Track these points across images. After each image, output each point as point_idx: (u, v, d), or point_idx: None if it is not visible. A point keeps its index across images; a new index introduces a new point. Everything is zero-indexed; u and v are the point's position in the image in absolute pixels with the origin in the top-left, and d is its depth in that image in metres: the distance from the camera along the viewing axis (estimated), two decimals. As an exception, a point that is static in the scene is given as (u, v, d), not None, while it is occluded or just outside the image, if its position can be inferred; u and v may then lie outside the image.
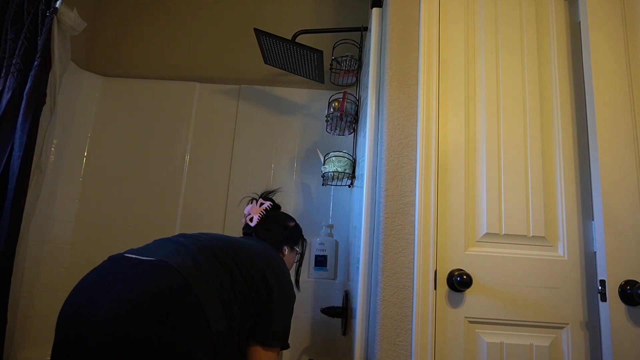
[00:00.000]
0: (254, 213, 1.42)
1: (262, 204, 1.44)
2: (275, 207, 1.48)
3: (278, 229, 1.40)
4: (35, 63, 1.51)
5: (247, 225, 1.42)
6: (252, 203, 1.46)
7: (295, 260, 1.48)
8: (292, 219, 1.48)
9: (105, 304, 0.87)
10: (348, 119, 1.64)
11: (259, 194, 1.50)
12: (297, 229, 1.47)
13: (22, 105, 1.48)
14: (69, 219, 1.89)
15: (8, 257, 1.40)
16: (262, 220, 1.40)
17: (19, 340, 1.60)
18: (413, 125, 1.23)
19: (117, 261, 0.98)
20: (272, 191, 1.51)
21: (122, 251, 1.04)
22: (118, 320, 0.85)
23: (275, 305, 1.11)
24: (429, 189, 1.17)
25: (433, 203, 1.16)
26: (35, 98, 1.49)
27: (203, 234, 1.17)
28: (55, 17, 1.54)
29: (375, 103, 1.35)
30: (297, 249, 1.46)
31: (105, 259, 1.02)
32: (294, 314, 1.20)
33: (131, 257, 0.97)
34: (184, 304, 0.90)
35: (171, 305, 0.88)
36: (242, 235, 1.44)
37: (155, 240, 1.11)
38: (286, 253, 1.40)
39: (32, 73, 1.50)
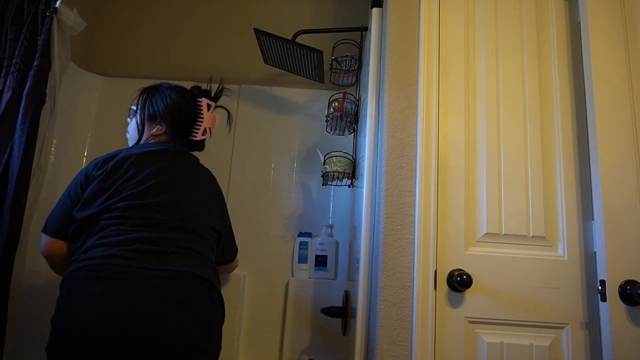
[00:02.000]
0: (214, 127, 1.33)
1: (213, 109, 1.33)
2: None
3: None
4: (35, 63, 1.50)
5: (200, 138, 1.30)
6: (209, 107, 1.32)
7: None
8: None
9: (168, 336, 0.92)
10: (348, 119, 1.64)
11: (202, 88, 1.35)
12: None
13: (22, 106, 1.48)
14: (69, 219, 1.89)
15: (9, 257, 1.40)
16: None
17: (19, 340, 1.60)
18: (413, 125, 1.23)
19: (144, 280, 0.94)
20: (223, 88, 1.37)
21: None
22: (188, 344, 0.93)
23: (228, 227, 1.26)
24: (429, 189, 1.17)
25: (433, 203, 1.16)
26: (34, 98, 1.49)
27: (148, 207, 1.06)
28: (55, 17, 1.54)
29: (375, 103, 1.35)
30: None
31: (121, 271, 0.94)
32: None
33: (156, 272, 0.96)
34: (215, 303, 1.04)
35: (213, 313, 1.02)
36: (172, 149, 1.23)
37: (135, 239, 1.00)
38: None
39: (31, 73, 1.50)
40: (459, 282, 1.10)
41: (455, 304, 1.14)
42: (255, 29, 1.63)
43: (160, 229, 1.02)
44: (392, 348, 1.10)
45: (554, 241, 1.18)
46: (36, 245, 1.72)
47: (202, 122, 1.28)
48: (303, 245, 1.86)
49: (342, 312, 1.54)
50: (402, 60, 1.28)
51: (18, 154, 1.44)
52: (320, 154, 1.76)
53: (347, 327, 1.51)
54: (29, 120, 1.46)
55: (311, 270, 1.84)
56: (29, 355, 1.68)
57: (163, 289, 0.92)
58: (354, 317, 1.28)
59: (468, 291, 1.14)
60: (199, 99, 1.30)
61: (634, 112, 1.16)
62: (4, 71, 1.55)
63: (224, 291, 1.82)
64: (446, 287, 1.14)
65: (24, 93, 1.49)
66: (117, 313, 0.88)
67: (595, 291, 1.12)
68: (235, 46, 2.14)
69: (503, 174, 1.21)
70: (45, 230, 1.12)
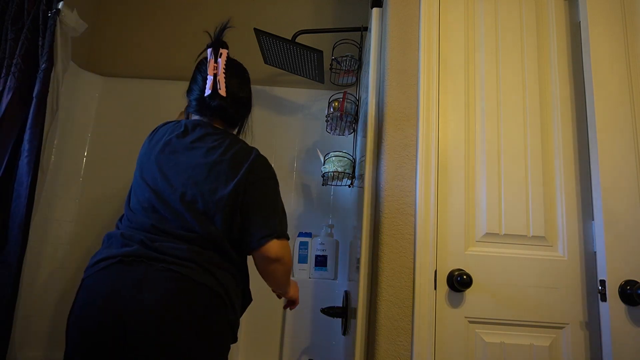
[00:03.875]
0: (219, 75, 1.08)
1: (220, 54, 1.09)
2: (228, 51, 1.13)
3: (245, 93, 1.15)
4: (43, 66, 1.50)
5: (214, 94, 1.07)
6: (210, 57, 1.10)
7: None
8: (242, 66, 1.19)
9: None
10: (348, 119, 1.64)
11: (213, 35, 1.13)
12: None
13: (32, 109, 1.48)
14: (69, 219, 1.89)
15: (20, 257, 1.41)
16: (228, 82, 1.09)
17: (19, 340, 1.60)
18: (413, 125, 1.23)
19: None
20: (224, 27, 1.15)
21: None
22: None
23: (255, 198, 1.03)
24: (429, 189, 1.17)
25: (433, 203, 1.16)
26: (43, 101, 1.49)
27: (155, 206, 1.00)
28: (57, 18, 1.54)
29: (375, 103, 1.35)
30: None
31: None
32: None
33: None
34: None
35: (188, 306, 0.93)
36: (190, 119, 1.13)
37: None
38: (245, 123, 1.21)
39: (40, 76, 1.50)
40: (459, 282, 1.10)
41: (455, 304, 1.14)
42: (255, 29, 1.63)
43: None
44: (392, 348, 1.10)
45: (553, 241, 1.18)
46: (36, 244, 1.73)
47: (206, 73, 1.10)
48: (303, 245, 1.86)
49: (342, 312, 1.54)
50: (402, 60, 1.28)
51: (29, 158, 1.44)
52: (320, 154, 1.76)
53: (347, 327, 1.51)
54: (39, 123, 1.47)
55: (311, 270, 1.84)
56: (29, 355, 1.69)
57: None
58: (354, 317, 1.28)
59: (468, 291, 1.14)
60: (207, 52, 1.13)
61: (634, 112, 1.17)
62: (4, 71, 1.55)
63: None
64: (446, 287, 1.14)
65: (34, 95, 1.49)
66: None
67: (595, 291, 1.12)
68: (235, 46, 2.14)
69: (503, 174, 1.21)
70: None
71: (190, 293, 0.92)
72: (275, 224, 1.02)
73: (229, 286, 0.98)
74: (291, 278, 1.22)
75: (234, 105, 1.13)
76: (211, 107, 1.10)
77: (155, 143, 1.08)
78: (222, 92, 1.07)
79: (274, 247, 1.00)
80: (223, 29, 1.14)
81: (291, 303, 1.29)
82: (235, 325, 1.02)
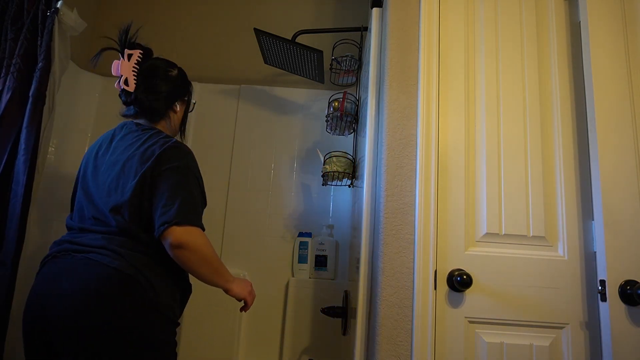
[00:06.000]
0: (125, 73, 1.17)
1: (130, 55, 1.18)
2: (147, 53, 1.23)
3: (163, 85, 1.20)
4: (40, 65, 1.50)
5: (124, 92, 1.19)
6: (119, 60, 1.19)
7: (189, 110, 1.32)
8: (172, 64, 1.25)
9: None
10: (348, 119, 1.64)
11: (118, 41, 1.20)
12: (182, 74, 1.26)
13: (28, 107, 1.48)
14: (69, 219, 1.89)
15: (16, 259, 1.40)
16: (139, 78, 1.18)
17: (19, 340, 1.60)
18: (413, 125, 1.23)
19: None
20: (127, 30, 1.22)
21: None
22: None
23: (165, 183, 1.04)
24: (429, 189, 1.17)
25: (433, 203, 1.16)
26: (40, 99, 1.49)
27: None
28: (56, 17, 1.54)
29: (375, 103, 1.35)
30: (187, 98, 1.29)
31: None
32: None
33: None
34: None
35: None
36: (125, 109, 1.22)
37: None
38: (177, 109, 1.25)
39: (36, 75, 1.50)
40: (459, 282, 1.10)
41: (455, 304, 1.14)
42: (255, 29, 1.63)
43: None
44: (392, 348, 1.10)
45: (554, 241, 1.18)
46: (36, 245, 1.73)
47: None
48: (303, 245, 1.86)
49: (342, 312, 1.54)
50: (402, 60, 1.28)
51: (26, 156, 1.44)
52: (320, 154, 1.76)
53: (347, 327, 1.51)
54: (36, 122, 1.47)
55: (311, 270, 1.84)
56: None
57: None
58: (354, 317, 1.28)
59: (468, 291, 1.14)
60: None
61: (634, 112, 1.16)
62: (3, 71, 1.55)
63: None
64: (446, 287, 1.14)
65: (30, 94, 1.49)
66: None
67: (595, 291, 1.12)
68: (235, 46, 2.14)
69: (503, 173, 1.21)
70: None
71: (100, 277, 0.98)
72: (174, 211, 1.00)
73: (144, 268, 1.01)
74: (242, 277, 1.22)
75: (148, 98, 1.19)
76: (127, 103, 1.21)
77: (97, 149, 1.19)
78: (130, 87, 1.17)
79: (174, 233, 0.99)
80: (126, 31, 1.21)
81: (244, 303, 1.19)
82: (163, 304, 1.02)
